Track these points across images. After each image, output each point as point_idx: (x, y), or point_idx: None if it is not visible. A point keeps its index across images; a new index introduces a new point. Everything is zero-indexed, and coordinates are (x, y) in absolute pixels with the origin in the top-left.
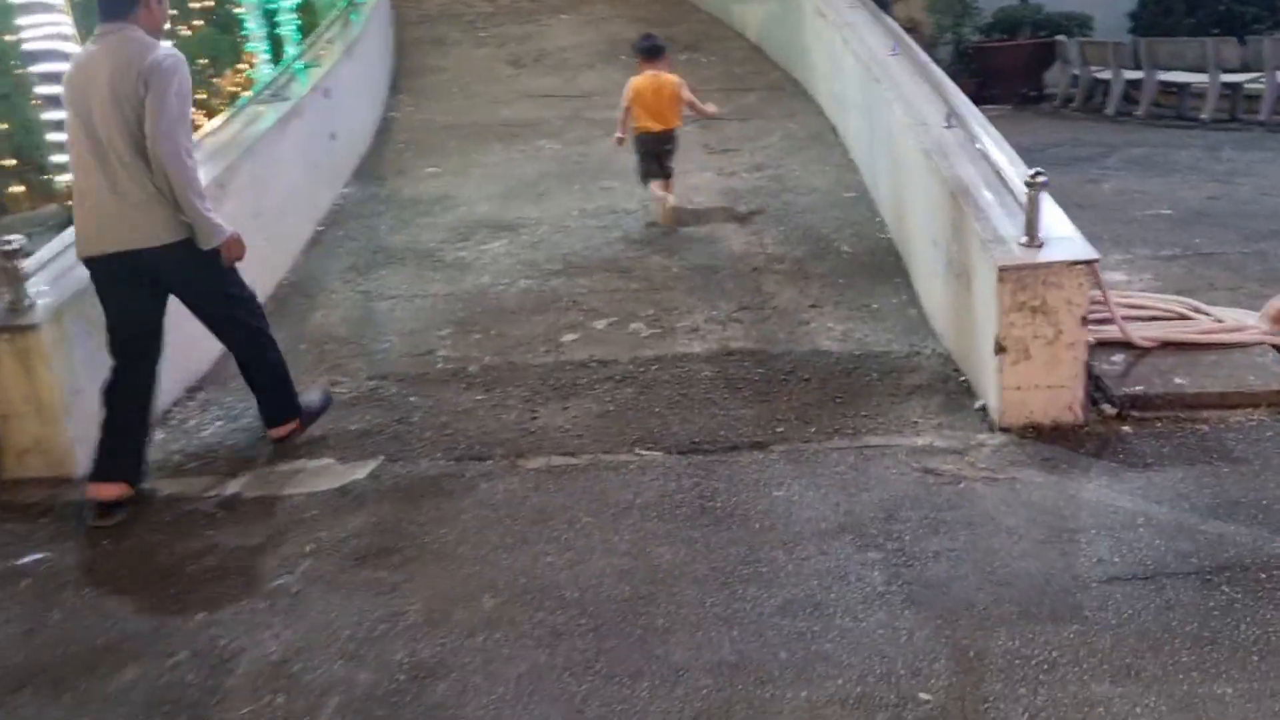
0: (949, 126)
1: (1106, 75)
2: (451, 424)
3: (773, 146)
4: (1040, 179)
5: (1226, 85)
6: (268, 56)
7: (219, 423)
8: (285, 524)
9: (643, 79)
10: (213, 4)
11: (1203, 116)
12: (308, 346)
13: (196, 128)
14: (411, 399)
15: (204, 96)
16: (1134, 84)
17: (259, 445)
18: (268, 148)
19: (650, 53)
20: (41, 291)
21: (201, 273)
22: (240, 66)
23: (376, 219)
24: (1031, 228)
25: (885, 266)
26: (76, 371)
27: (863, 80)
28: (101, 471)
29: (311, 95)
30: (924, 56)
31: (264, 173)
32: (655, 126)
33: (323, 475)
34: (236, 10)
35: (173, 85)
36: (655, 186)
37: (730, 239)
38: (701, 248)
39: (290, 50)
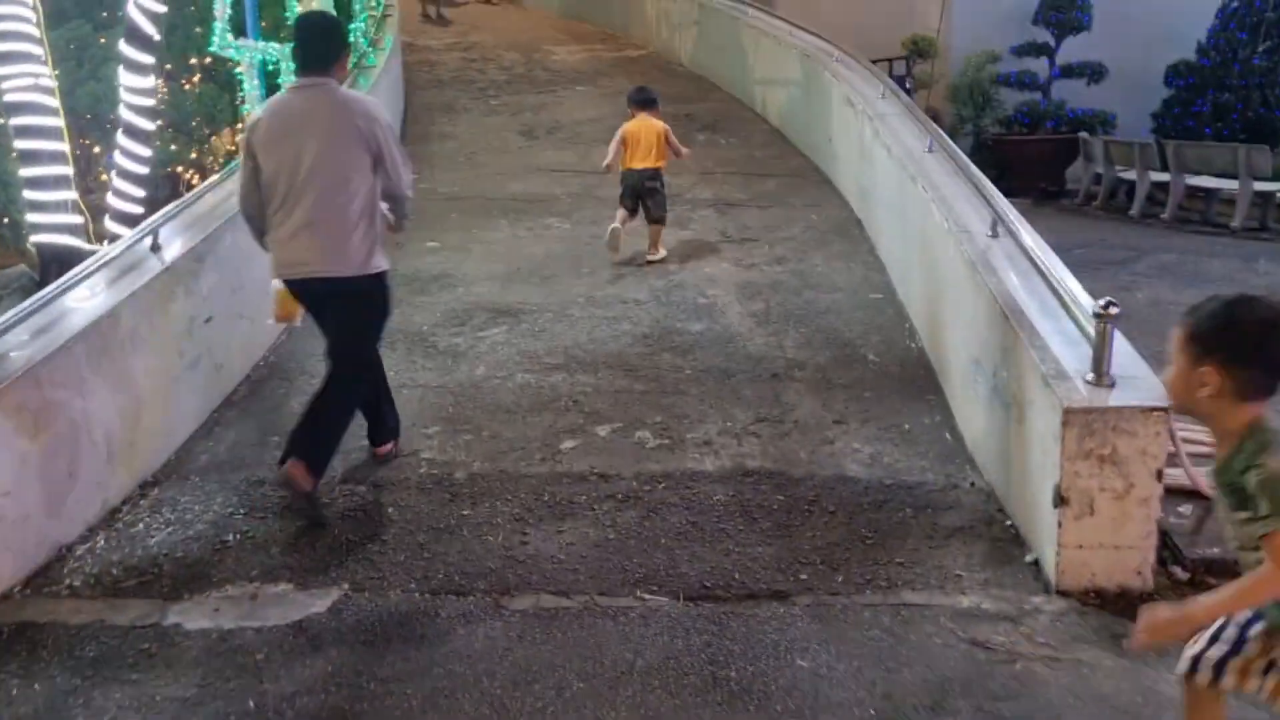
0: (994, 235)
1: (1130, 175)
2: (429, 544)
3: (794, 238)
4: (1113, 309)
5: (1258, 194)
6: None
7: (169, 528)
8: (227, 670)
9: (634, 122)
10: (210, 61)
11: (1233, 225)
12: (279, 439)
13: (191, 187)
14: (388, 509)
15: (196, 156)
16: (1159, 186)
17: (212, 557)
18: None
19: (644, 104)
20: None
21: (370, 306)
22: (239, 126)
23: None
24: (1101, 364)
25: (916, 381)
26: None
27: (895, 176)
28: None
29: None
30: (963, 156)
31: (249, 243)
32: (641, 164)
33: (278, 605)
34: (236, 69)
35: (390, 127)
36: (621, 217)
37: (747, 339)
38: (716, 347)
39: None
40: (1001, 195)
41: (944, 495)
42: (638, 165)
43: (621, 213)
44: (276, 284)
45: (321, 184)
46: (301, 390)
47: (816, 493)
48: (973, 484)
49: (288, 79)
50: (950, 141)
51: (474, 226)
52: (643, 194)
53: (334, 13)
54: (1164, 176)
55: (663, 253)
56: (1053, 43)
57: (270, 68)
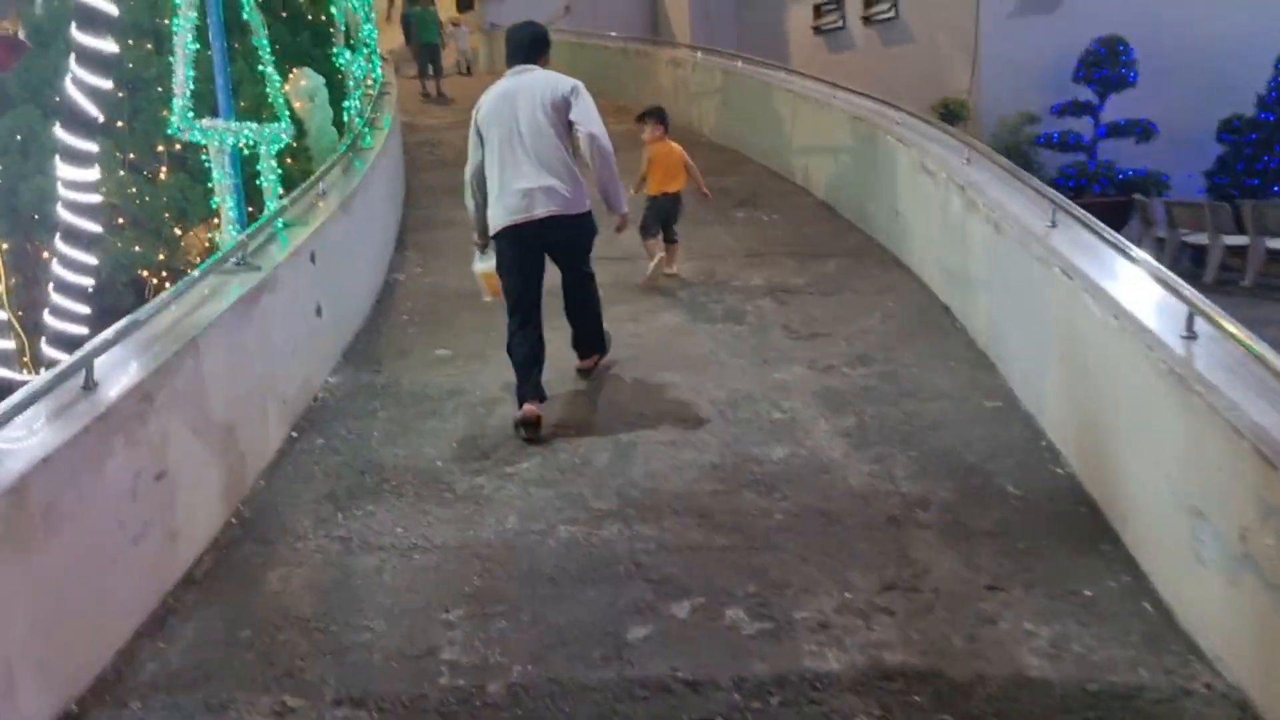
0: (1190, 336)
1: (1197, 239)
2: None
3: (873, 331)
4: None
5: None
6: (234, 216)
7: None
8: None
9: (657, 147)
10: (182, 147)
11: None
12: (252, 634)
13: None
14: None
15: (165, 258)
16: (1233, 250)
17: None
18: (224, 335)
19: (658, 116)
20: None
21: (588, 236)
22: (216, 221)
23: (368, 420)
24: None
25: (1078, 522)
26: None
27: (1010, 257)
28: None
29: (292, 262)
30: (1110, 231)
31: (216, 369)
32: (669, 188)
33: None
34: (204, 156)
35: (590, 97)
36: (653, 245)
37: (845, 467)
38: (809, 480)
39: (272, 205)
40: (1186, 284)
41: (1175, 708)
42: (669, 189)
43: (655, 244)
44: (478, 268)
45: (541, 143)
46: (282, 561)
47: (995, 707)
48: (1209, 686)
49: (268, 166)
50: (1083, 212)
51: (491, 327)
52: (670, 219)
53: (326, 91)
54: (1239, 239)
55: (678, 267)
56: (1096, 101)
57: (247, 151)
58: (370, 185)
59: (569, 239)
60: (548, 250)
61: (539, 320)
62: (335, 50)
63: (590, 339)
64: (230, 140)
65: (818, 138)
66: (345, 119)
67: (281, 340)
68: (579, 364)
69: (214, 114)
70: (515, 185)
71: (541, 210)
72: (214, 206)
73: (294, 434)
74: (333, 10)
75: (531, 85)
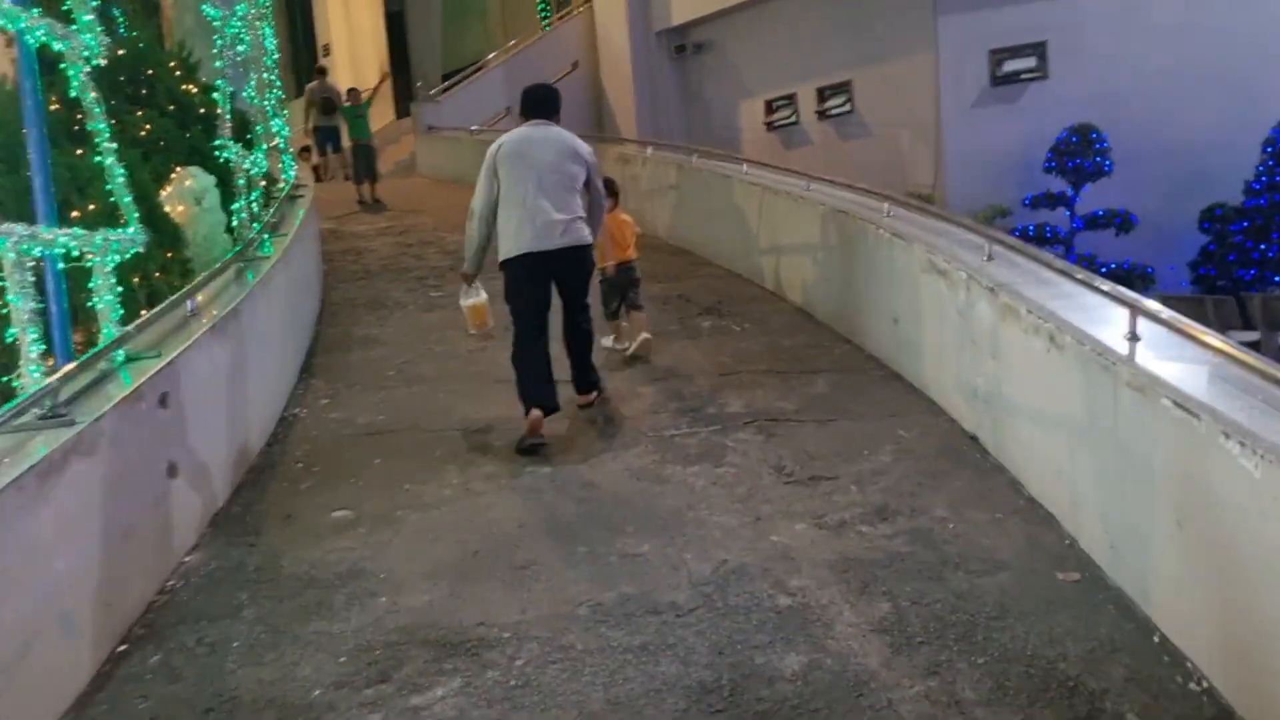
0: None
1: None
2: None
3: (887, 472)
4: None
5: None
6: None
7: None
8: None
9: (610, 218)
10: None
11: None
12: None
13: None
14: None
15: None
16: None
17: None
18: (6, 524)
19: (614, 193)
20: None
21: (590, 269)
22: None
23: (229, 623)
24: None
25: None
26: None
27: (1076, 380)
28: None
29: (127, 409)
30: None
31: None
32: (624, 257)
33: None
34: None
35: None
36: (618, 325)
37: (890, 687)
38: (840, 710)
39: (110, 333)
40: None
41: None
42: (623, 258)
43: (619, 324)
44: (467, 302)
45: (560, 184)
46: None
47: None
48: None
49: (104, 283)
50: (1189, 321)
51: (406, 479)
52: (628, 288)
53: (215, 193)
54: (1248, 336)
55: (648, 334)
56: (1070, 191)
57: (63, 264)
58: (262, 301)
59: (581, 267)
60: (559, 277)
61: (547, 341)
62: (218, 142)
63: (588, 372)
64: (38, 251)
65: (791, 235)
66: (235, 223)
67: (103, 520)
68: (581, 400)
69: (27, 220)
70: (544, 218)
71: (563, 240)
72: (9, 339)
73: (123, 648)
74: (215, 96)
75: (559, 137)
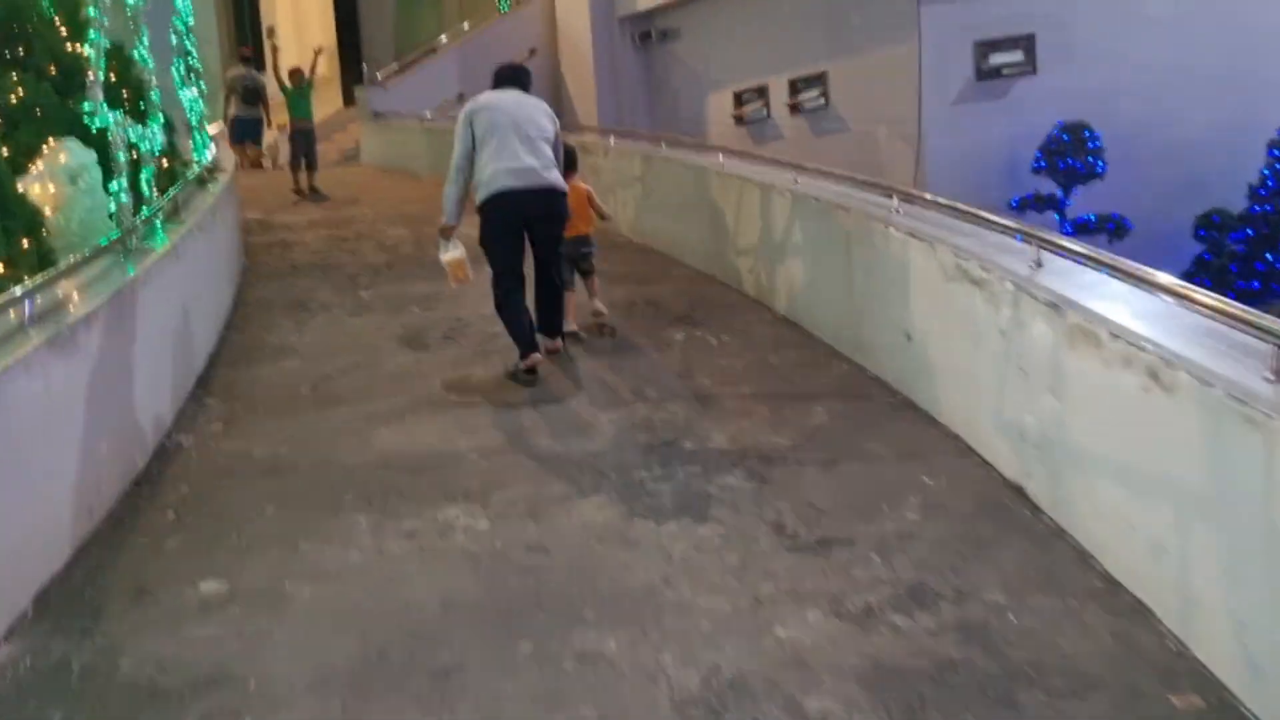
0: None
1: None
2: None
3: (917, 535)
4: None
5: None
6: None
7: None
8: None
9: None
10: None
11: None
12: None
13: None
14: None
15: None
16: None
17: None
18: None
19: (570, 164)
20: None
21: (564, 220)
22: None
23: None
24: None
25: None
26: None
27: (1181, 428)
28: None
29: None
30: None
31: None
32: (579, 229)
33: None
34: None
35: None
36: (573, 296)
37: None
38: None
39: None
40: None
41: None
42: (576, 232)
43: (573, 295)
44: (446, 256)
45: (534, 135)
46: None
47: None
48: None
49: None
50: None
51: (304, 535)
52: (578, 260)
53: (96, 171)
54: None
55: (600, 304)
56: (1060, 194)
57: None
58: (140, 304)
59: (557, 212)
60: (534, 223)
61: (524, 287)
62: (86, 106)
63: (556, 317)
64: None
65: (775, 235)
66: (115, 206)
67: None
68: (548, 346)
69: None
70: (519, 163)
71: (541, 182)
72: None
73: None
74: (87, 49)
75: (530, 99)
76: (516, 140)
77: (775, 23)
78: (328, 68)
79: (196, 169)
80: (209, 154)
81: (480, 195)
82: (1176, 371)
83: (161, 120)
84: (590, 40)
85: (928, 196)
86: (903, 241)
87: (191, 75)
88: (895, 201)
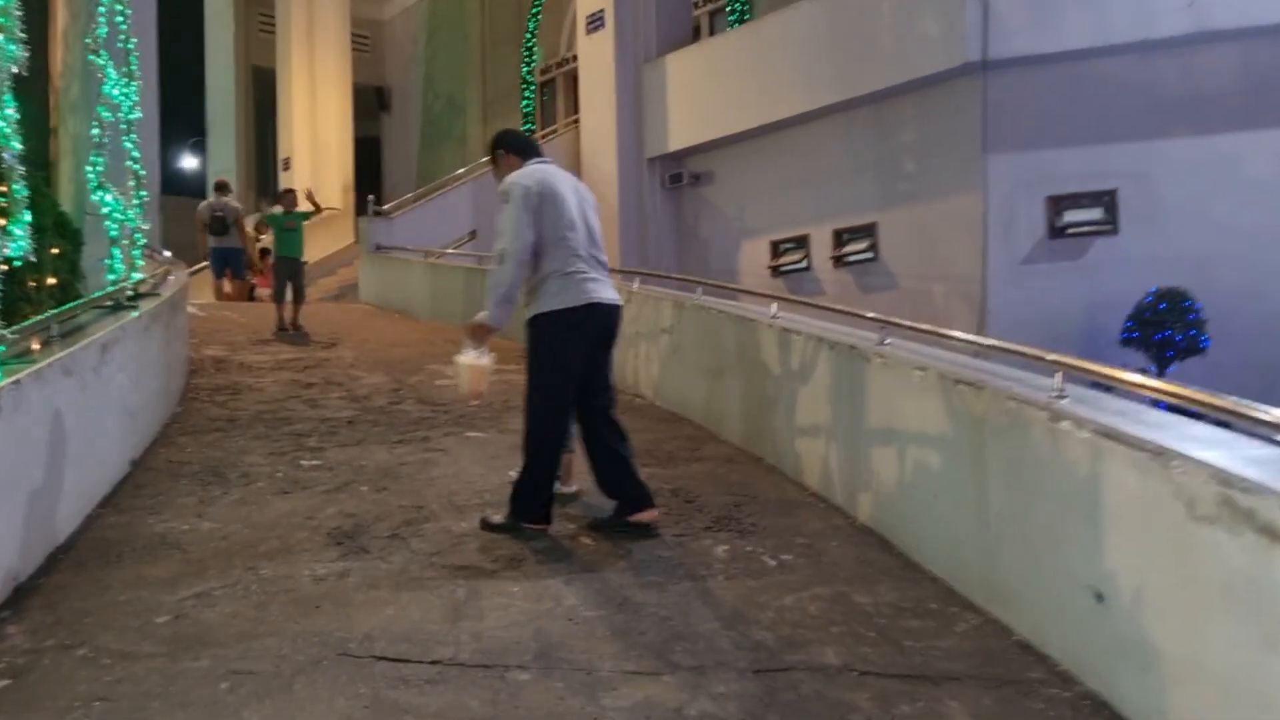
0: None
1: None
2: None
3: None
4: None
5: None
6: None
7: None
8: None
9: None
10: None
11: None
12: None
13: None
14: None
15: None
16: None
17: None
18: None
19: None
20: None
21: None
22: None
23: None
24: None
25: None
26: None
27: None
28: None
29: None
30: None
31: None
32: None
33: None
34: None
35: None
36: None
37: None
38: None
39: None
40: None
41: None
42: None
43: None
44: (472, 360)
45: (597, 231)
46: None
47: None
48: None
49: None
50: None
51: None
52: None
53: None
54: None
55: None
56: (1153, 369)
57: None
58: None
59: (616, 336)
60: (599, 350)
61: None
62: None
63: (636, 485)
64: None
65: (860, 412)
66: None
67: None
68: (647, 518)
69: None
70: (597, 269)
71: (617, 298)
72: None
73: None
74: None
75: (574, 180)
76: (590, 239)
77: (820, 168)
78: (343, 201)
79: (102, 291)
80: (142, 274)
81: (549, 303)
82: None
83: (26, 221)
84: (616, 180)
85: (1109, 372)
86: (1087, 444)
87: (132, 180)
88: (1057, 379)
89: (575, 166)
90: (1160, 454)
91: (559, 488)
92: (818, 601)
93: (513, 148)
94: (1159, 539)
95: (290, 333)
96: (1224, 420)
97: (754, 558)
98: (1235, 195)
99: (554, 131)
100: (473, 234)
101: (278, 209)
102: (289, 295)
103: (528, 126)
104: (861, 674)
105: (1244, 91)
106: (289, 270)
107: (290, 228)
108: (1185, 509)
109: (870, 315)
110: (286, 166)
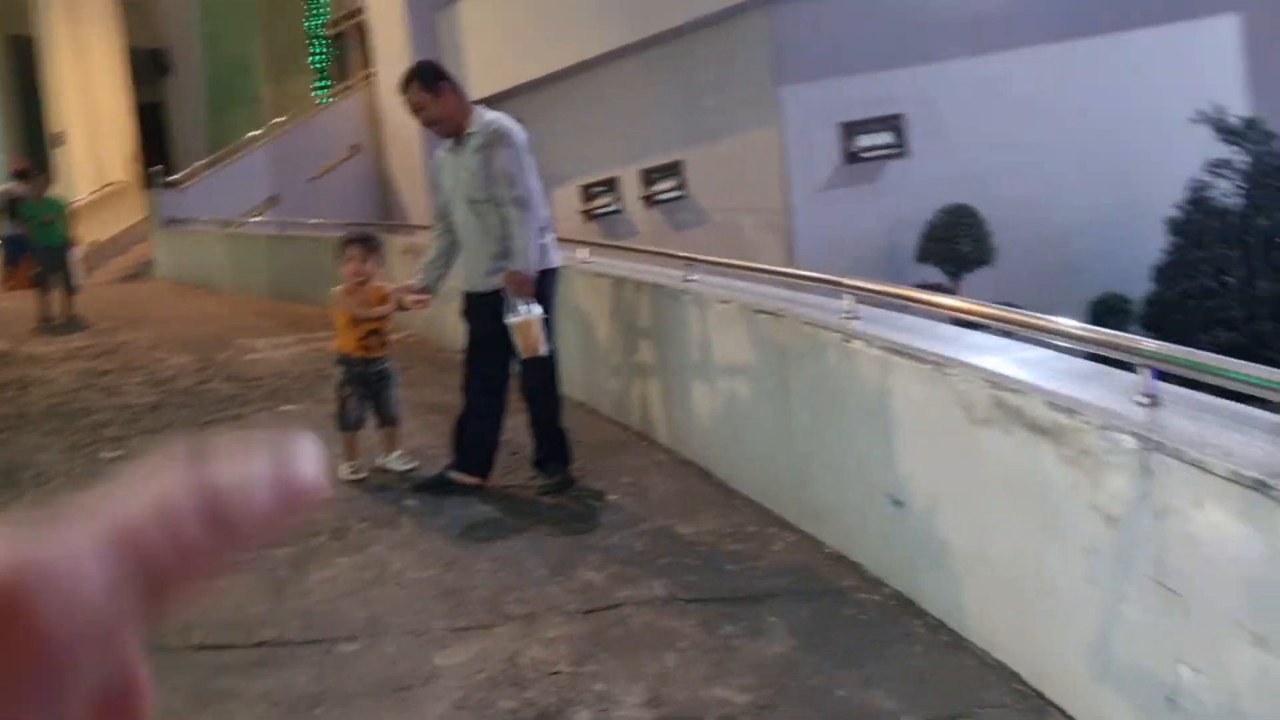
0: None
1: None
2: None
3: None
4: None
5: None
6: None
7: None
8: None
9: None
10: None
11: None
12: None
13: None
14: None
15: None
16: None
17: None
18: None
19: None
20: None
21: None
22: None
23: None
24: None
25: None
26: None
27: None
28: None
29: None
30: None
31: None
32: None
33: None
34: None
35: None
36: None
37: None
38: None
39: None
40: None
41: None
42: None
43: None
44: (521, 319)
45: None
46: None
47: None
48: None
49: None
50: None
51: None
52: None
53: None
54: None
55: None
56: (947, 284)
57: None
58: None
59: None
60: None
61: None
62: None
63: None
64: None
65: (669, 349)
66: None
67: None
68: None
69: None
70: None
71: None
72: None
73: None
74: None
75: None
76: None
77: (624, 110)
78: (128, 174)
79: None
80: None
81: (554, 258)
82: None
83: None
84: (419, 134)
85: (899, 291)
86: (879, 362)
87: None
88: (848, 303)
89: (374, 123)
90: (941, 364)
91: (381, 460)
92: (644, 537)
93: (456, 86)
94: (945, 444)
95: (63, 323)
96: (1006, 330)
97: (580, 501)
98: (1009, 112)
99: (349, 87)
100: (272, 199)
101: (21, 188)
102: (55, 285)
103: (322, 83)
104: (688, 601)
105: (1011, 13)
106: (53, 260)
107: (48, 221)
108: (964, 413)
109: (681, 255)
110: (58, 141)
